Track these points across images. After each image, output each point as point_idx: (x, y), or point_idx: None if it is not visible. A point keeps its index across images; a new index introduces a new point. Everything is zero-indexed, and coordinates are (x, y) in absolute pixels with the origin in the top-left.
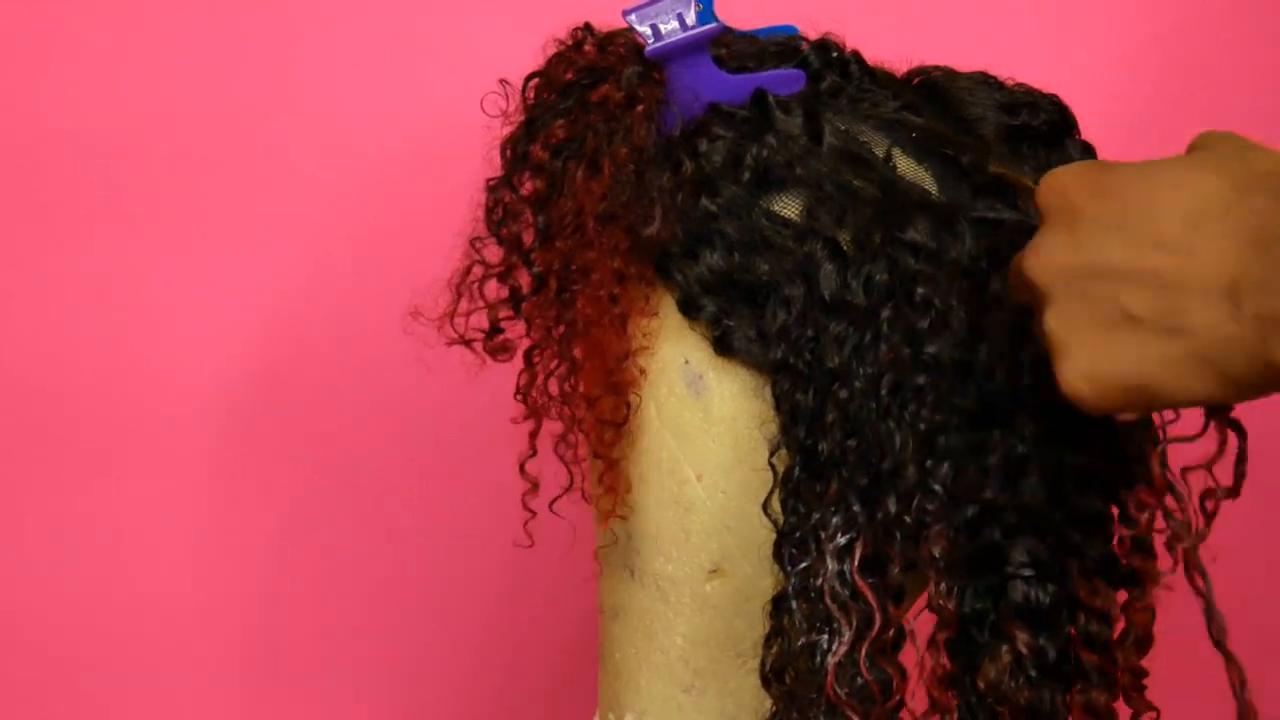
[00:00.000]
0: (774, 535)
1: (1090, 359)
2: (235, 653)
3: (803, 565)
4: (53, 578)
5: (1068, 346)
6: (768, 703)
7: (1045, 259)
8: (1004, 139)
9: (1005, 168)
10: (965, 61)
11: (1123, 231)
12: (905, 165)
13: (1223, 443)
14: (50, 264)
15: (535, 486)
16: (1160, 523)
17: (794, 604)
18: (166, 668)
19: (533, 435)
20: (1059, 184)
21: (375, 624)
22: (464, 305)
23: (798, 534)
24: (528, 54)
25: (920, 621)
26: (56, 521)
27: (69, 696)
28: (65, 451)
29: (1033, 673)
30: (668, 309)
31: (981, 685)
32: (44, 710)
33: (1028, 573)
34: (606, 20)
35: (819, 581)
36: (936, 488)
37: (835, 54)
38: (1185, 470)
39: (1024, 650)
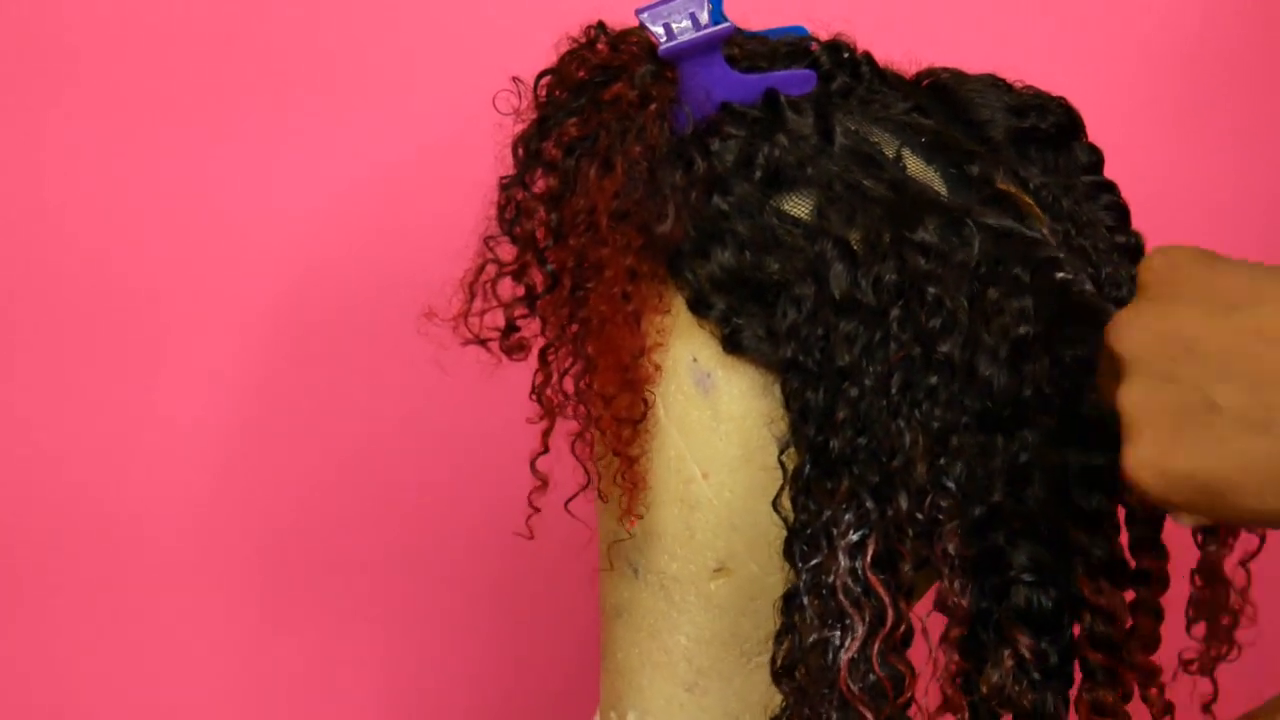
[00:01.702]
0: (781, 534)
1: (1160, 448)
2: (237, 651)
3: (814, 562)
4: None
5: (1139, 430)
6: (773, 700)
7: (1137, 326)
8: (1012, 141)
9: (1010, 186)
10: (974, 64)
11: (1226, 317)
12: (915, 166)
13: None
14: (53, 263)
15: (544, 484)
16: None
17: (805, 600)
18: (158, 665)
19: (546, 434)
20: (1169, 260)
21: (377, 622)
22: (478, 304)
23: (809, 531)
24: (540, 52)
25: (931, 620)
26: (57, 510)
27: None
28: (66, 456)
29: (1035, 676)
30: (677, 307)
31: (984, 689)
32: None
33: (1029, 577)
34: (619, 19)
35: (831, 578)
36: (950, 485)
37: (846, 55)
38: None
39: (1026, 654)
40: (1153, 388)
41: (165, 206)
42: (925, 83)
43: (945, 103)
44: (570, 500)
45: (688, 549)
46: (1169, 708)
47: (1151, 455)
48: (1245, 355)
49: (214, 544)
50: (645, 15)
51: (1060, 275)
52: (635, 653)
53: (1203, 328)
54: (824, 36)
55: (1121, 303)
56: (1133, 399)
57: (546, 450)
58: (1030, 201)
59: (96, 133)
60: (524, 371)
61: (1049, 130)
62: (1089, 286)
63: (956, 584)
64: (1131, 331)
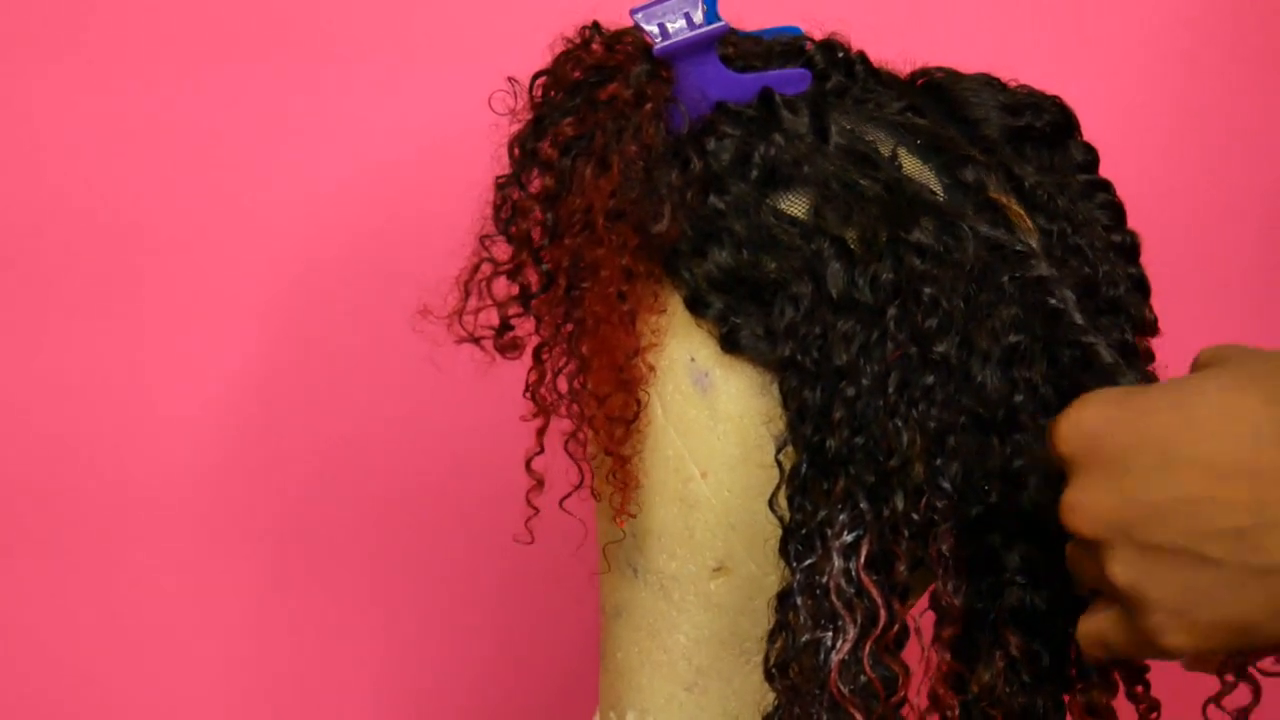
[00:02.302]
0: (779, 532)
1: (1179, 610)
2: (236, 651)
3: (808, 562)
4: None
5: (1149, 601)
6: (771, 699)
7: (1094, 511)
8: (1007, 140)
9: (1002, 195)
10: (969, 64)
11: (1172, 469)
12: (911, 165)
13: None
14: (52, 258)
15: (540, 484)
16: None
17: (799, 600)
18: (156, 664)
19: (540, 433)
20: (1081, 428)
21: (377, 623)
22: (473, 303)
23: (804, 530)
24: (535, 52)
25: (924, 620)
26: (55, 508)
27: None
28: (63, 454)
29: (1026, 678)
30: (674, 306)
31: (975, 689)
32: None
33: (1023, 579)
34: (614, 19)
35: (824, 579)
36: (946, 485)
37: (840, 54)
38: None
39: (1017, 655)
40: (1140, 559)
41: (160, 204)
42: (920, 82)
43: (940, 102)
44: (565, 499)
45: (687, 548)
46: (1155, 704)
47: (1175, 621)
48: (1212, 504)
49: (210, 544)
50: (640, 15)
51: (1051, 303)
52: (635, 652)
53: (1155, 488)
54: (818, 36)
55: (1117, 302)
56: (1127, 575)
57: (541, 450)
58: (1020, 211)
59: (97, 123)
60: (522, 370)
61: (1044, 129)
62: (1077, 317)
63: (950, 584)
64: (1091, 517)
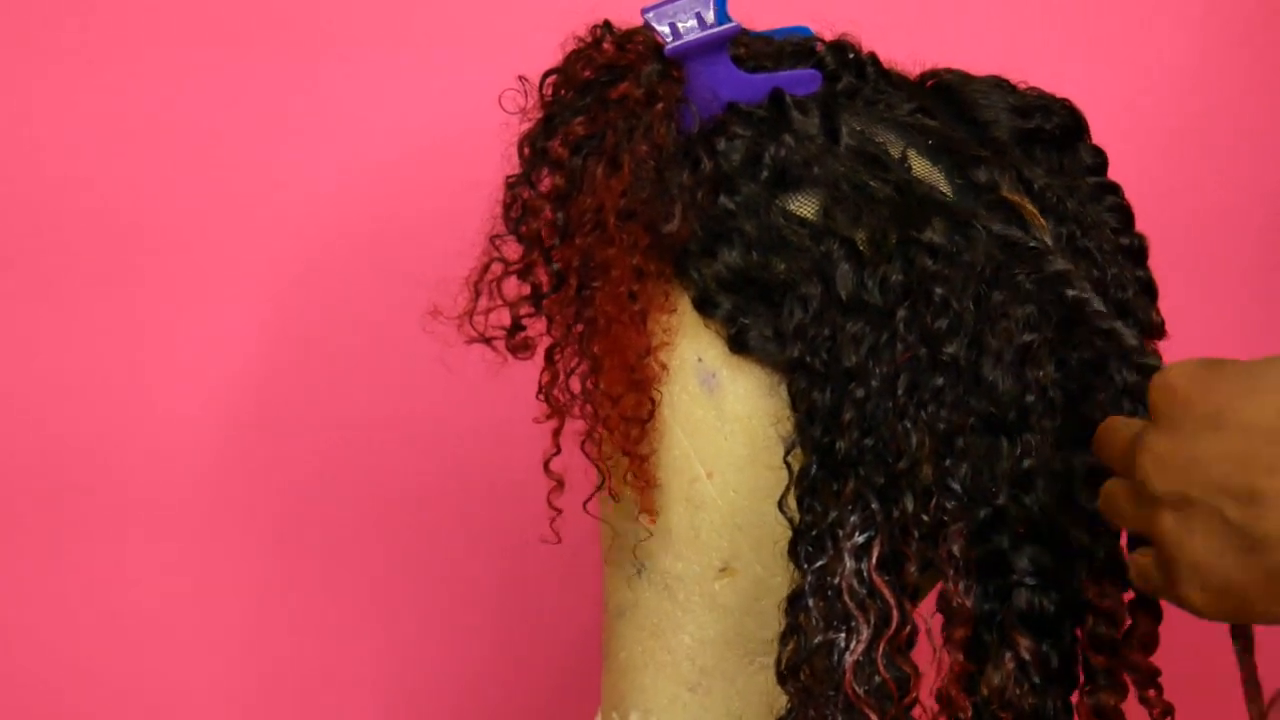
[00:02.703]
0: (786, 534)
1: (1197, 567)
2: (237, 651)
3: (819, 563)
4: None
5: (1178, 553)
6: (776, 701)
7: (1157, 458)
8: (1017, 142)
9: (1015, 194)
10: (978, 65)
11: (1217, 431)
12: (921, 167)
13: None
14: (52, 266)
15: (560, 484)
16: None
17: (810, 602)
18: (160, 667)
19: (556, 433)
20: (1169, 384)
21: (378, 623)
22: (483, 303)
23: (814, 532)
24: (546, 51)
25: (934, 622)
26: (53, 506)
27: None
28: (61, 452)
29: (1036, 679)
30: (683, 306)
31: (985, 690)
32: None
33: (1032, 580)
34: (625, 19)
35: (836, 580)
36: (955, 487)
37: (851, 55)
38: None
39: (1026, 656)
40: (1181, 512)
41: (160, 204)
42: (930, 84)
43: (950, 103)
44: (587, 501)
45: (692, 549)
46: (1169, 708)
47: (1193, 574)
48: (1244, 460)
49: (210, 544)
50: (651, 15)
51: (1071, 293)
52: (638, 652)
53: (1200, 447)
54: (829, 37)
55: (1125, 305)
56: (1169, 525)
57: (558, 451)
58: (1034, 210)
59: (97, 123)
60: (530, 370)
61: (1053, 131)
62: (1098, 305)
63: (960, 586)
64: (1155, 464)
